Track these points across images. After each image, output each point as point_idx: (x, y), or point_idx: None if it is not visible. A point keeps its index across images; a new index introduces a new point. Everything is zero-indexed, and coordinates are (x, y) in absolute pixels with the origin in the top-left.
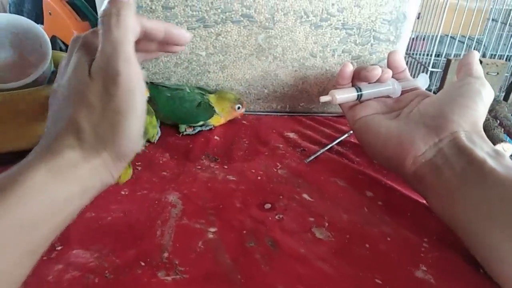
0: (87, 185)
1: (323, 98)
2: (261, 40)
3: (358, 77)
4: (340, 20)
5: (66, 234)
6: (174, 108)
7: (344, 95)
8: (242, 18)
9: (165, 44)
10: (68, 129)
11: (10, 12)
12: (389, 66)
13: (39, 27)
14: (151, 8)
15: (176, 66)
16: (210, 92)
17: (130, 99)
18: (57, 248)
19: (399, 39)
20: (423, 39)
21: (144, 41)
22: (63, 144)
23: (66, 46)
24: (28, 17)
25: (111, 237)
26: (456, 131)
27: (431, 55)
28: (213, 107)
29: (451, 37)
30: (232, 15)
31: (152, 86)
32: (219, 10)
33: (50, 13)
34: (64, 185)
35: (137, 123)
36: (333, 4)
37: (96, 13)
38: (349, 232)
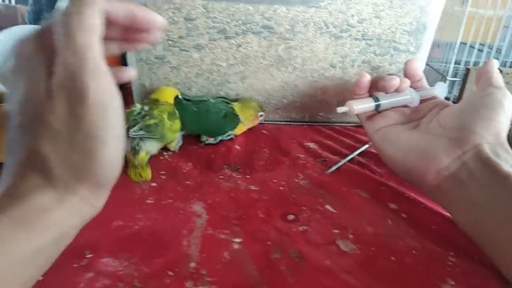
0: (63, 228)
1: (340, 109)
2: (281, 51)
3: (375, 87)
4: (360, 31)
5: (95, 242)
6: (201, 122)
7: (362, 105)
8: (262, 30)
9: (133, 32)
10: (31, 165)
11: (29, 20)
12: (406, 74)
13: None
14: (173, 19)
15: (197, 77)
16: (232, 100)
17: (103, 119)
18: (87, 256)
19: (419, 50)
20: (439, 46)
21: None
22: (28, 186)
23: None
24: None
25: (139, 246)
26: (479, 144)
27: (449, 64)
28: (238, 116)
29: (471, 46)
30: (253, 27)
31: (176, 102)
32: (240, 22)
33: None
34: (33, 236)
35: (115, 146)
36: (353, 15)
37: None
38: (374, 245)
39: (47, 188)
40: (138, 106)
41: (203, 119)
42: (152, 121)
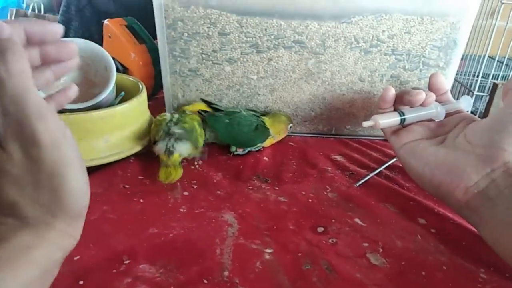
0: (47, 263)
1: (366, 123)
2: (311, 65)
3: (400, 101)
4: (390, 46)
5: (132, 248)
6: (233, 134)
7: (387, 119)
8: (293, 44)
9: (48, 50)
10: (3, 211)
11: None
12: (430, 88)
13: (105, 52)
14: (208, 34)
15: (228, 89)
16: (263, 114)
17: (61, 155)
18: (125, 262)
19: (449, 65)
20: (463, 59)
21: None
22: (7, 230)
23: (124, 67)
24: (75, 34)
25: (174, 254)
26: (509, 161)
27: (477, 76)
28: (268, 129)
29: (498, 61)
30: (284, 41)
31: (209, 115)
32: (272, 37)
33: (109, 36)
34: (20, 273)
35: (79, 176)
36: (383, 31)
37: (153, 37)
38: (404, 259)
39: (24, 228)
40: (168, 115)
41: (235, 131)
42: (186, 125)
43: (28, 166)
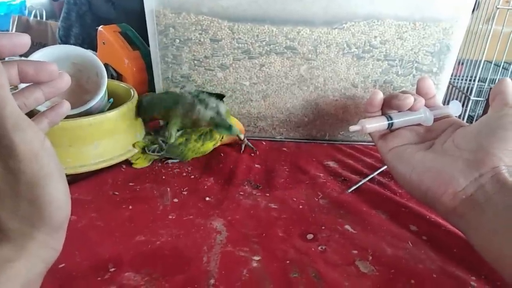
0: (29, 276)
1: (353, 128)
2: (303, 70)
3: (389, 106)
4: (382, 52)
5: (118, 256)
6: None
7: (374, 124)
8: (285, 50)
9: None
10: None
11: (59, 36)
12: (418, 92)
13: (96, 58)
14: (199, 40)
15: None
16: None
17: (40, 166)
18: (110, 270)
19: (442, 71)
20: (462, 64)
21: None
22: None
23: (118, 73)
24: (75, 40)
25: (160, 261)
26: (497, 166)
27: (473, 80)
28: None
29: (495, 64)
30: (276, 47)
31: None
32: (264, 43)
33: (103, 43)
34: (2, 286)
35: (59, 186)
36: (375, 37)
37: (147, 44)
38: (393, 267)
39: (5, 241)
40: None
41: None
42: (180, 140)
43: (7, 178)
